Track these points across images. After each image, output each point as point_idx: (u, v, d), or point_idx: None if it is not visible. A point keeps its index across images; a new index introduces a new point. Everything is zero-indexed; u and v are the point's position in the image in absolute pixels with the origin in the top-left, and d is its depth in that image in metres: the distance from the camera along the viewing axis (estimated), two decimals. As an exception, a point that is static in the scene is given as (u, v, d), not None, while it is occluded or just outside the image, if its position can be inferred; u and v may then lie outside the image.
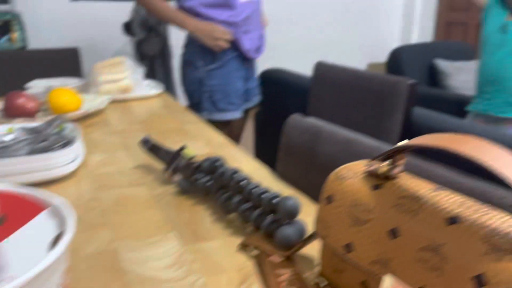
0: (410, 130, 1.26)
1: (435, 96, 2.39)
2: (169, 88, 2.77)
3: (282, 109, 1.91)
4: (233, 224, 0.65)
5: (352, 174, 0.46)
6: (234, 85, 1.58)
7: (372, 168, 0.44)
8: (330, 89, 1.48)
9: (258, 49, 1.66)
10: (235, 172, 0.67)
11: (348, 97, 1.40)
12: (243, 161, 0.92)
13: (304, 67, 2.53)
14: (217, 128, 1.60)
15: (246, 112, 1.79)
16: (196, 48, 1.54)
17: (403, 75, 2.68)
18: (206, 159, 0.73)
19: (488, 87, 1.66)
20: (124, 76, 1.45)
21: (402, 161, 0.43)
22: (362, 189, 0.43)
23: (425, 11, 4.22)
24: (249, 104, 1.74)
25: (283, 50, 3.98)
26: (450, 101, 2.31)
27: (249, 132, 2.25)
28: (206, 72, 1.54)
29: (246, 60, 1.61)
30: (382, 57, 3.94)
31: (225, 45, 1.49)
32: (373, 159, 0.45)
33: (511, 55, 1.59)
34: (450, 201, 0.38)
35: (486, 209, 0.37)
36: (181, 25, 1.53)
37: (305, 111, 1.64)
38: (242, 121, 1.77)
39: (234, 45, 1.54)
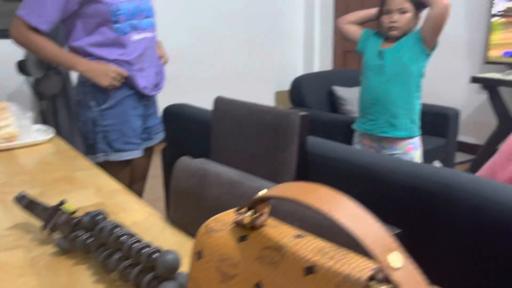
0: (306, 159, 1.31)
1: (334, 121, 2.53)
2: (72, 128, 2.61)
3: (188, 144, 1.89)
4: (115, 284, 0.61)
5: (221, 225, 0.45)
6: (130, 124, 1.52)
7: (238, 218, 0.44)
8: (230, 123, 1.49)
9: (156, 86, 1.63)
10: (115, 226, 0.63)
11: (247, 131, 1.42)
12: (134, 209, 0.87)
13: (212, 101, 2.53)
14: (116, 170, 1.54)
15: (150, 150, 1.74)
16: (87, 88, 1.47)
17: (304, 102, 2.82)
18: (86, 214, 0.68)
19: (371, 109, 1.80)
20: (7, 123, 1.34)
21: (266, 210, 0.43)
22: (229, 242, 0.43)
23: (324, 41, 4.51)
24: (152, 142, 1.69)
25: (191, 84, 3.99)
26: (348, 124, 2.46)
27: (159, 170, 2.19)
28: (99, 112, 1.47)
29: (143, 98, 1.57)
30: (288, 85, 4.12)
31: (117, 83, 1.44)
32: (240, 208, 0.45)
33: (390, 79, 1.74)
34: (309, 248, 0.39)
35: (343, 253, 0.38)
36: (71, 66, 1.46)
37: (209, 146, 1.64)
38: (145, 160, 1.72)
39: (129, 84, 1.49)
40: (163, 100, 2.49)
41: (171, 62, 3.85)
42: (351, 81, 3.06)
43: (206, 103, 1.74)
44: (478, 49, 3.24)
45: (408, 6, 1.70)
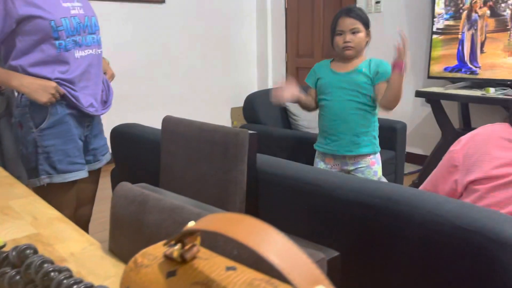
0: (256, 178, 1.30)
1: (287, 137, 2.56)
2: (18, 151, 2.47)
3: (138, 165, 1.84)
4: (44, 324, 0.56)
5: (151, 259, 0.43)
6: (74, 143, 1.46)
7: (168, 252, 0.42)
8: (179, 143, 1.47)
9: (104, 104, 1.57)
10: (44, 261, 0.59)
11: (196, 150, 1.40)
12: (72, 238, 0.83)
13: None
14: (61, 193, 1.46)
15: (97, 172, 1.67)
16: (24, 108, 1.40)
17: (258, 119, 2.83)
18: (14, 248, 0.64)
19: (334, 130, 1.82)
20: None
21: (196, 242, 0.42)
22: (157, 278, 0.40)
23: (277, 58, 4.58)
24: (99, 164, 1.62)
25: (144, 103, 3.91)
26: (301, 139, 2.49)
27: (110, 192, 2.11)
28: (39, 133, 1.40)
29: (87, 118, 1.51)
30: (242, 102, 4.14)
31: (53, 100, 1.37)
32: (169, 241, 0.43)
33: (349, 100, 1.78)
34: (240, 282, 0.38)
35: (274, 286, 0.37)
36: (4, 81, 1.37)
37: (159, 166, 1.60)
38: (91, 183, 1.64)
39: (71, 103, 1.43)
40: (116, 120, 2.43)
41: (123, 81, 3.80)
42: (303, 97, 3.11)
43: (160, 123, 1.69)
44: (421, 65, 3.40)
45: (359, 26, 1.75)
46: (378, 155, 1.89)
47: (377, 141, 1.88)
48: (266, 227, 0.35)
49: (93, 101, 1.49)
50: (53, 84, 1.37)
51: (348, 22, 1.75)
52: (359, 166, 1.84)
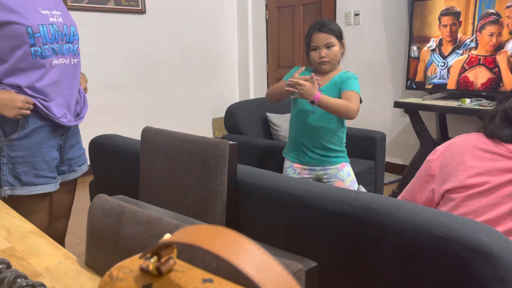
0: (236, 188, 1.30)
1: (268, 147, 2.56)
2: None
3: (116, 176, 1.82)
4: None
5: (126, 273, 0.42)
6: (43, 156, 1.42)
7: (144, 265, 0.41)
8: (159, 154, 1.45)
9: (77, 116, 1.54)
10: (17, 276, 0.57)
11: (176, 161, 1.39)
12: (47, 252, 0.81)
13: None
14: (31, 206, 1.42)
15: (73, 183, 1.63)
16: None
17: (239, 129, 2.83)
18: (-14, 264, 0.62)
19: (302, 141, 1.85)
20: None
21: (172, 254, 0.41)
22: (132, 292, 0.40)
23: (258, 69, 4.61)
24: (74, 175, 1.59)
25: (124, 113, 3.88)
26: (282, 149, 2.50)
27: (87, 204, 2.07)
28: (7, 142, 1.36)
29: (60, 128, 1.47)
30: (224, 112, 4.15)
31: (26, 113, 1.33)
32: (144, 254, 0.42)
33: (318, 116, 1.80)
34: (216, 294, 0.37)
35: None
36: None
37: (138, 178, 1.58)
38: (67, 195, 1.61)
39: (43, 113, 1.40)
40: (95, 131, 2.40)
41: (103, 91, 3.78)
42: (284, 108, 3.13)
43: (140, 134, 1.66)
44: (399, 76, 3.47)
45: (333, 40, 1.78)
46: (348, 163, 1.92)
47: (344, 153, 1.91)
48: (242, 239, 0.35)
49: (66, 112, 1.46)
50: (21, 97, 1.32)
51: (322, 37, 1.79)
52: (329, 171, 1.86)
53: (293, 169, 1.92)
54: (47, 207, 1.49)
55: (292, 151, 1.92)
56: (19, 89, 1.36)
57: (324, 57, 1.79)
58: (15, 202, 1.38)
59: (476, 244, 0.86)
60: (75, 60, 1.48)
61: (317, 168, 1.87)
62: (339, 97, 1.77)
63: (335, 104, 1.69)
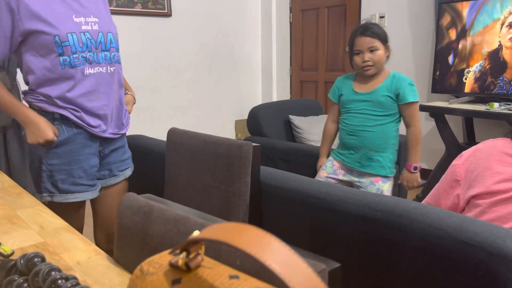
0: (259, 190, 1.31)
1: (293, 150, 2.57)
2: (25, 163, 2.49)
3: (143, 176, 1.86)
4: (50, 331, 0.58)
5: (156, 267, 0.44)
6: (81, 164, 1.41)
7: (173, 260, 0.43)
8: (184, 155, 1.48)
9: (118, 125, 1.50)
10: (52, 269, 0.60)
11: (201, 162, 1.42)
12: (78, 248, 0.84)
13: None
14: (67, 213, 1.39)
15: (117, 187, 1.59)
16: None
17: (262, 132, 2.85)
18: (22, 256, 0.65)
19: (350, 144, 1.83)
20: None
21: (201, 251, 0.43)
22: (162, 286, 0.42)
23: (281, 71, 4.62)
24: (114, 180, 1.56)
25: (150, 115, 3.95)
26: (304, 152, 2.50)
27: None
28: (45, 150, 1.38)
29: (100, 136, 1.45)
30: (247, 115, 4.18)
31: (45, 144, 1.35)
32: (174, 250, 0.44)
33: (368, 120, 1.79)
34: (242, 290, 0.39)
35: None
36: (14, 114, 1.37)
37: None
38: (109, 198, 1.57)
39: (77, 123, 1.39)
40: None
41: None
42: (307, 111, 3.13)
43: (165, 134, 1.68)
44: (425, 79, 3.42)
45: (377, 43, 1.74)
46: (390, 179, 1.86)
47: (392, 165, 1.85)
48: (268, 237, 0.36)
49: (100, 123, 1.43)
50: (48, 136, 1.34)
51: (365, 41, 1.74)
52: (362, 180, 1.84)
53: (331, 164, 1.91)
54: (82, 214, 1.49)
55: (339, 151, 1.91)
56: (49, 99, 1.36)
57: (368, 61, 1.74)
58: (54, 208, 1.41)
59: (502, 251, 0.85)
60: (111, 69, 1.44)
61: (354, 171, 1.85)
62: (394, 99, 1.76)
63: (419, 151, 1.86)
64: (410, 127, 1.83)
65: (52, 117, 1.38)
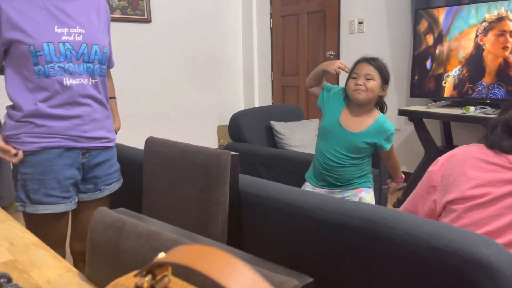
0: (238, 198, 1.30)
1: (274, 156, 2.57)
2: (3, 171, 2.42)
3: (125, 187, 1.82)
4: None
5: (122, 291, 0.43)
6: (55, 175, 1.37)
7: (139, 283, 0.42)
8: (162, 164, 1.47)
9: (98, 140, 1.46)
10: (18, 291, 0.58)
11: (179, 171, 1.40)
12: (49, 265, 0.82)
13: (156, 134, 2.47)
14: (45, 224, 1.39)
15: (100, 202, 1.53)
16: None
17: (244, 137, 2.84)
18: (-12, 277, 0.63)
19: (323, 171, 1.83)
20: None
21: (167, 272, 0.42)
22: (127, 310, 0.41)
23: (262, 77, 4.63)
24: (99, 194, 1.52)
25: (129, 122, 3.91)
26: (286, 158, 2.51)
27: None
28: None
29: (81, 147, 1.42)
30: (229, 120, 4.16)
31: (13, 160, 1.34)
32: (139, 272, 0.43)
33: (344, 151, 1.78)
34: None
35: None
36: None
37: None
38: (91, 212, 1.53)
39: (54, 134, 1.36)
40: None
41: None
42: (289, 116, 3.14)
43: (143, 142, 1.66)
44: (403, 84, 3.47)
45: (375, 75, 1.71)
46: (372, 189, 1.90)
47: (369, 179, 1.89)
48: (233, 260, 0.36)
49: (79, 134, 1.40)
50: (6, 151, 1.33)
51: (365, 68, 1.72)
52: (346, 194, 1.85)
53: (312, 189, 1.89)
54: (63, 226, 1.44)
55: (313, 178, 1.90)
56: (21, 112, 1.35)
57: (361, 85, 1.70)
58: (29, 218, 1.38)
59: (476, 257, 0.86)
60: (93, 81, 1.41)
61: (336, 190, 1.86)
62: (372, 146, 1.79)
63: (400, 169, 2.00)
64: (389, 160, 1.92)
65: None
